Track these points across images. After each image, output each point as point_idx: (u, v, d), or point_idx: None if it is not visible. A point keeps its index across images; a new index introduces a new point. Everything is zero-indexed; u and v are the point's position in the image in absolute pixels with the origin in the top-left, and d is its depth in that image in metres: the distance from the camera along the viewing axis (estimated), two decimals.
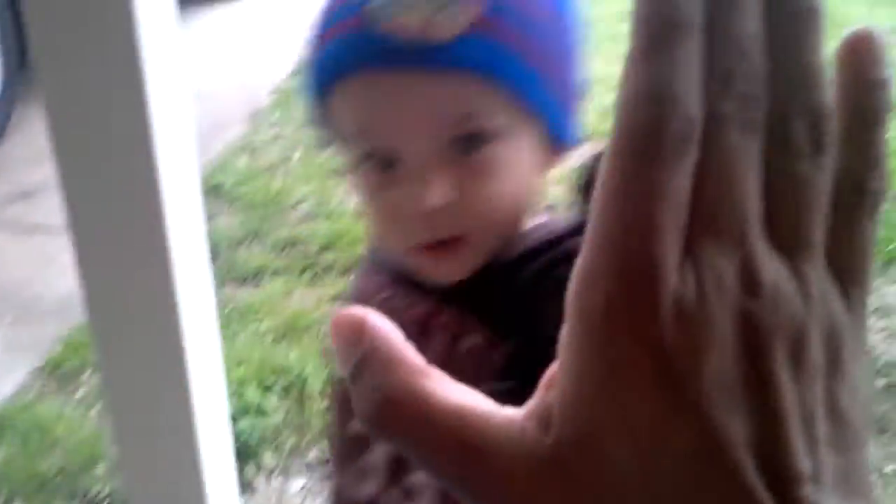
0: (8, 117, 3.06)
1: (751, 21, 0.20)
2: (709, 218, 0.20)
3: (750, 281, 0.19)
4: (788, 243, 0.20)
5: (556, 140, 0.62)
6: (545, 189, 0.64)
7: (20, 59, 3.10)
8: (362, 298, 0.72)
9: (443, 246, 0.60)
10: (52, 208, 2.62)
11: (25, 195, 2.76)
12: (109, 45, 0.92)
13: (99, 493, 1.63)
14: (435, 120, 0.57)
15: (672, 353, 0.19)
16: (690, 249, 0.19)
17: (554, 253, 0.62)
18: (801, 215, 0.20)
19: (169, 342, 1.10)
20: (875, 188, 0.22)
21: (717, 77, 0.20)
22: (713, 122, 0.20)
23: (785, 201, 0.20)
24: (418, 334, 0.60)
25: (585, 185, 0.63)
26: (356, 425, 0.69)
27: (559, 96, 0.60)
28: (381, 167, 0.59)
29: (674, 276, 0.19)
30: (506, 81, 0.56)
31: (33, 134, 3.11)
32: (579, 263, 0.20)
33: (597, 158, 0.61)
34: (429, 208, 0.57)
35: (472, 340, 0.62)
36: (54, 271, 2.34)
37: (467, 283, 0.63)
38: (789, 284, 0.20)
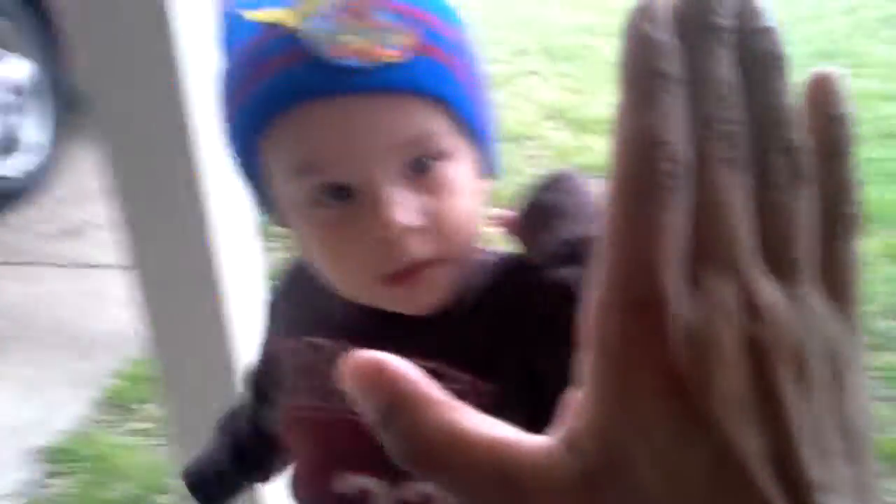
0: (57, 159, 3.16)
1: (726, 70, 0.23)
2: (707, 249, 0.22)
3: (750, 305, 0.21)
4: (781, 267, 0.22)
5: (486, 168, 0.63)
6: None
7: (67, 103, 3.20)
8: (278, 338, 0.71)
9: (414, 273, 0.58)
10: (99, 245, 2.71)
11: (74, 233, 2.83)
12: (157, 87, 0.97)
13: None
14: (392, 142, 0.55)
15: (685, 376, 0.21)
16: (695, 279, 0.21)
17: (519, 287, 0.61)
18: (788, 241, 0.22)
19: (227, 374, 1.14)
20: (850, 212, 0.24)
21: (702, 121, 0.22)
22: (702, 162, 0.22)
23: (773, 229, 0.22)
24: None
25: (526, 222, 0.64)
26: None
27: (487, 123, 0.62)
28: (334, 201, 0.57)
29: (681, 306, 0.21)
30: (451, 103, 0.57)
31: (80, 174, 3.19)
32: (594, 297, 0.22)
33: (531, 201, 0.62)
34: (400, 229, 0.55)
35: (456, 385, 0.60)
36: (104, 306, 2.40)
37: (429, 322, 0.61)
38: (787, 306, 0.22)
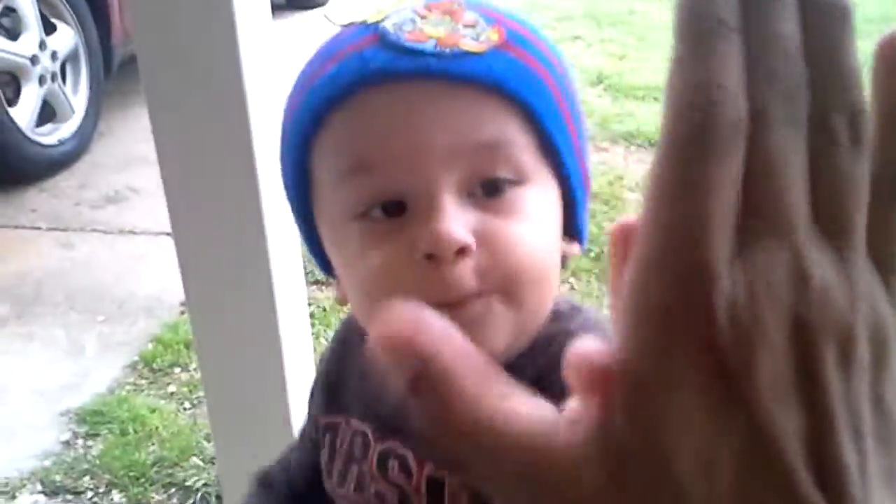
0: (95, 126, 3.19)
1: (788, 23, 0.21)
2: (758, 214, 0.20)
3: (799, 279, 0.20)
4: (833, 234, 0.21)
5: (572, 222, 0.54)
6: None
7: (106, 69, 3.22)
8: (328, 411, 0.63)
9: (463, 305, 0.48)
10: (138, 212, 2.73)
11: (113, 199, 2.86)
12: (212, 54, 0.96)
13: (194, 483, 1.68)
14: (461, 142, 0.47)
15: (726, 353, 0.20)
16: (741, 246, 0.20)
17: (551, 351, 0.52)
18: (843, 206, 0.21)
19: (266, 341, 1.14)
20: None
21: (762, 76, 0.21)
22: (759, 120, 0.20)
23: (828, 193, 0.21)
24: (429, 494, 0.53)
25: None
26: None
27: (577, 157, 0.53)
28: (384, 215, 0.49)
29: (726, 278, 0.20)
30: (534, 108, 0.49)
31: (118, 142, 3.23)
32: (634, 260, 0.21)
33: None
34: (453, 245, 0.46)
35: None
36: (142, 272, 2.43)
37: None
38: (836, 280, 0.20)
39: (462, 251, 0.47)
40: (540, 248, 0.50)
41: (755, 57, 0.21)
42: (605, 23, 4.26)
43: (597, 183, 2.68)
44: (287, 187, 0.56)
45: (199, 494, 1.66)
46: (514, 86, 0.48)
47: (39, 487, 1.69)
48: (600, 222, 2.40)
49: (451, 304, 0.47)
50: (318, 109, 0.50)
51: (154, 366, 2.02)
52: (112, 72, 3.27)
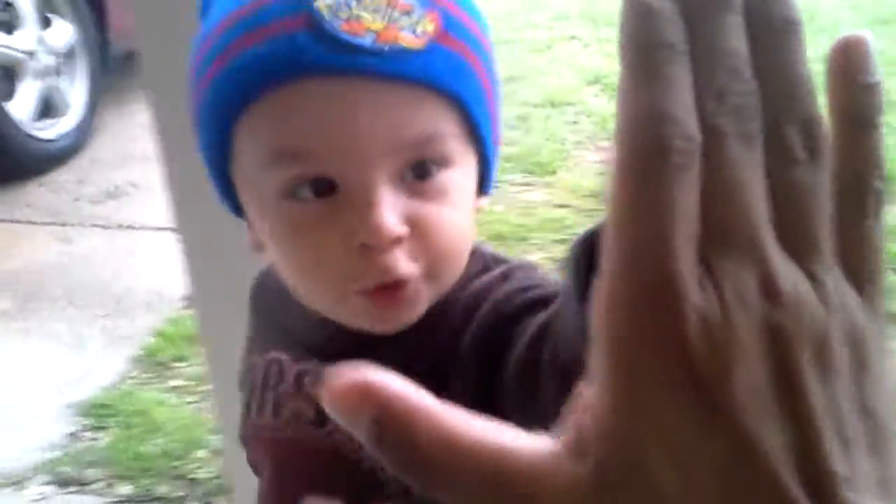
0: (92, 122, 3.18)
1: (734, 38, 0.21)
2: (721, 230, 0.20)
3: (769, 289, 0.20)
4: (799, 248, 0.21)
5: (484, 181, 0.57)
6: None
7: (103, 64, 3.22)
8: (251, 353, 0.65)
9: (396, 289, 0.51)
10: (137, 207, 2.73)
11: (111, 195, 2.86)
12: None
13: (201, 475, 1.69)
14: (398, 139, 0.49)
15: (701, 367, 0.19)
16: (707, 263, 0.20)
17: (493, 303, 0.54)
18: (806, 219, 0.21)
19: None
20: (877, 187, 0.22)
21: (711, 94, 0.21)
22: (712, 138, 0.20)
23: (789, 207, 0.21)
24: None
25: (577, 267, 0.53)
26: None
27: (496, 133, 0.55)
28: (312, 195, 0.50)
29: (694, 292, 0.19)
30: (466, 102, 0.51)
31: (116, 138, 3.22)
32: (601, 289, 0.21)
33: (584, 242, 0.47)
34: (391, 238, 0.48)
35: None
36: (141, 267, 2.43)
37: (387, 337, 0.54)
38: (807, 289, 0.20)
39: (397, 240, 0.49)
40: (462, 227, 0.53)
41: (704, 75, 0.21)
42: (603, 22, 4.27)
43: (594, 182, 2.70)
44: (200, 133, 0.56)
45: (206, 486, 1.66)
46: (450, 83, 0.50)
47: (47, 478, 1.70)
48: None
49: (387, 287, 0.50)
50: (247, 87, 0.49)
51: (157, 359, 2.02)
52: (109, 67, 3.27)
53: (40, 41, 2.92)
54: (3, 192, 2.84)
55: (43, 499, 1.66)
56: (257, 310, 0.68)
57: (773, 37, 0.22)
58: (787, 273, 0.20)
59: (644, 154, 0.20)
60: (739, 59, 0.21)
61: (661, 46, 0.20)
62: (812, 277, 0.21)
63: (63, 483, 1.69)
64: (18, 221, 2.69)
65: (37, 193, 2.86)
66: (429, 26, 0.48)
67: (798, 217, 0.21)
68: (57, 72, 2.99)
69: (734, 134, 0.21)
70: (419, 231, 0.50)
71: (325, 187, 0.50)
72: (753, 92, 0.21)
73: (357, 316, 0.53)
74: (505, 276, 0.56)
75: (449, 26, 0.50)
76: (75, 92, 3.09)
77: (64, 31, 3.03)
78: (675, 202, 0.20)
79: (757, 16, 0.22)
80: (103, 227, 2.66)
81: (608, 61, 3.79)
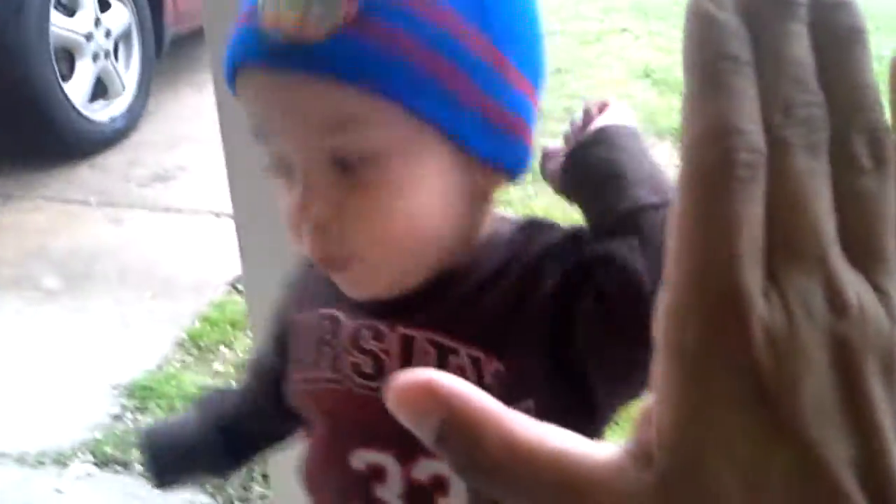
0: (144, 105, 3.23)
1: (800, 48, 0.21)
2: (788, 243, 0.20)
3: (836, 301, 0.20)
4: (865, 259, 0.21)
5: (485, 159, 0.56)
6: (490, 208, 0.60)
7: (157, 49, 3.27)
8: (298, 310, 0.68)
9: (335, 263, 0.57)
10: (185, 191, 2.77)
11: (161, 178, 2.90)
12: None
13: None
14: (310, 126, 0.52)
15: (767, 380, 0.19)
16: (774, 275, 0.20)
17: (519, 264, 0.58)
18: (872, 229, 0.21)
19: None
20: None
21: (778, 106, 0.20)
22: (779, 149, 0.20)
23: (855, 217, 0.21)
24: (402, 350, 0.59)
25: (572, 180, 0.59)
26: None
27: (472, 109, 0.54)
28: (282, 171, 0.56)
29: (761, 304, 0.20)
30: (386, 89, 0.51)
31: (167, 121, 3.27)
32: (665, 300, 0.21)
33: (580, 156, 0.57)
34: (297, 222, 0.54)
35: (458, 360, 0.58)
36: (189, 250, 2.47)
37: (435, 294, 0.59)
38: (873, 301, 0.20)
39: (318, 224, 0.54)
40: (399, 216, 0.55)
41: (769, 85, 0.21)
42: (654, 15, 4.21)
43: None
44: None
45: (245, 471, 1.69)
46: (358, 74, 0.50)
47: (90, 458, 1.74)
48: None
49: (331, 262, 0.57)
50: (228, 68, 0.56)
51: (201, 344, 2.06)
52: (163, 51, 3.32)
53: (98, 23, 2.97)
54: (56, 172, 2.90)
55: (87, 476, 1.70)
56: (309, 268, 0.70)
57: (839, 45, 0.22)
58: (854, 285, 0.20)
59: (710, 167, 0.20)
60: (806, 70, 0.21)
61: (725, 58, 0.21)
62: (878, 289, 0.20)
63: (105, 463, 1.73)
64: (71, 201, 2.75)
65: (88, 174, 2.92)
66: (340, 13, 0.50)
67: (864, 227, 0.21)
68: (113, 54, 3.04)
69: (801, 145, 0.21)
70: (347, 220, 0.54)
71: (287, 169, 0.55)
72: (820, 103, 0.21)
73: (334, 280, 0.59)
74: (553, 245, 0.59)
75: (370, 10, 0.50)
76: (129, 75, 3.14)
77: (121, 15, 3.08)
78: (742, 215, 0.20)
79: (822, 24, 0.22)
80: (151, 209, 2.71)
81: (658, 55, 3.73)
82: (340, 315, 0.64)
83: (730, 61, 0.20)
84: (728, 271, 0.20)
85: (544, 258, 0.58)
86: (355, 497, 0.63)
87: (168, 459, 0.75)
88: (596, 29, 3.99)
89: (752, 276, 0.20)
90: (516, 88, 0.56)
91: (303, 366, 0.66)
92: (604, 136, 0.58)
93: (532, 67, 0.57)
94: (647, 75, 3.51)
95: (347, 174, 0.53)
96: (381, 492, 0.62)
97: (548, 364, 0.56)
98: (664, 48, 3.83)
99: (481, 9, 0.53)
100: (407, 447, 0.59)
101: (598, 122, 0.60)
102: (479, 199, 0.59)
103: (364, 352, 0.61)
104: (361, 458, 0.63)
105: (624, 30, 4.10)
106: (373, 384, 0.61)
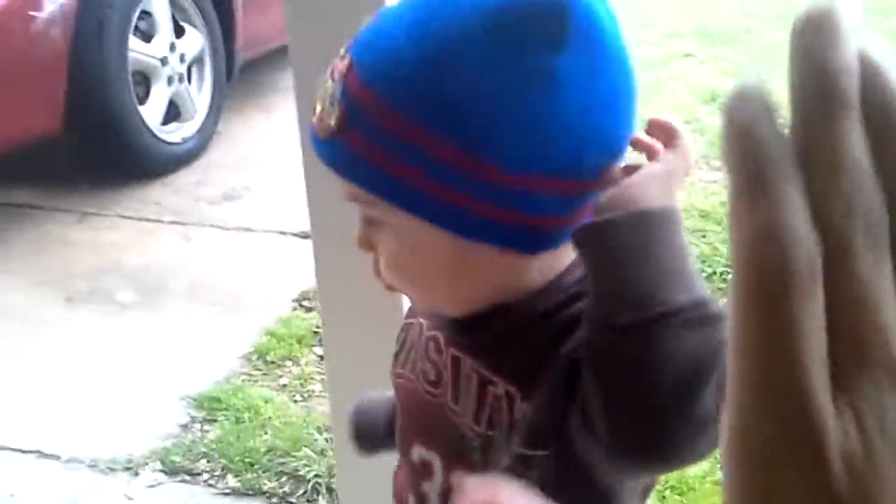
0: (214, 127, 3.32)
1: (855, 146, 0.20)
2: (857, 350, 0.19)
3: None
4: None
5: (481, 242, 0.60)
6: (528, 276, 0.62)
7: (228, 72, 3.36)
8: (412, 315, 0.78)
9: (385, 284, 0.67)
10: (252, 210, 2.82)
11: (229, 197, 2.97)
12: None
13: (307, 473, 1.72)
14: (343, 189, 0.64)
15: (846, 499, 0.19)
16: (843, 386, 0.19)
17: (566, 313, 0.61)
18: None
19: (392, 335, 1.16)
20: None
21: (836, 206, 0.20)
22: (839, 250, 0.19)
23: None
24: (452, 368, 0.66)
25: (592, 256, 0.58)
26: None
27: (449, 205, 0.59)
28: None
29: (835, 426, 0.19)
30: (368, 189, 0.61)
31: (237, 142, 3.35)
32: (729, 401, 0.20)
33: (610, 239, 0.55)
34: (358, 246, 0.66)
35: (496, 391, 0.63)
36: (256, 267, 2.51)
37: (476, 325, 0.65)
38: None
39: (366, 250, 0.66)
40: (404, 267, 0.65)
41: (825, 184, 0.20)
42: (718, 40, 4.17)
43: (709, 202, 2.62)
44: None
45: (311, 484, 1.70)
46: (345, 172, 0.62)
47: (160, 466, 1.77)
48: (713, 242, 2.36)
49: (386, 285, 0.67)
50: None
51: (268, 358, 2.09)
52: (234, 75, 3.41)
53: (172, 48, 3.07)
54: (130, 191, 2.99)
55: (157, 484, 1.73)
56: None
57: (891, 135, 0.20)
58: None
59: (766, 273, 0.19)
60: (862, 164, 0.20)
61: (767, 165, 0.20)
62: None
63: (173, 472, 1.76)
64: (144, 219, 2.83)
65: (160, 193, 3.00)
66: (331, 121, 0.60)
67: None
68: (186, 78, 3.14)
69: (861, 244, 0.20)
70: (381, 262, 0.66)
71: None
72: (879, 201, 0.20)
73: None
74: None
75: (352, 118, 0.59)
76: (200, 98, 3.23)
77: (195, 40, 3.18)
78: (804, 325, 0.19)
79: (874, 112, 0.20)
80: (220, 227, 2.77)
81: (723, 79, 3.69)
82: (424, 322, 0.73)
83: (777, 164, 0.20)
84: (794, 376, 0.19)
85: (582, 314, 0.58)
86: (413, 485, 0.72)
87: (369, 432, 0.84)
88: (661, 54, 3.96)
89: (821, 388, 0.19)
90: (502, 185, 0.58)
91: (398, 360, 0.76)
92: (644, 223, 0.55)
93: (528, 163, 0.58)
94: (713, 99, 3.47)
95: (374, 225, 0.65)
96: (426, 487, 0.70)
97: (560, 419, 0.58)
98: (730, 73, 3.79)
99: (448, 120, 0.57)
100: (453, 455, 0.67)
101: (642, 196, 0.56)
102: (499, 261, 0.61)
103: (430, 360, 0.70)
104: (418, 452, 0.71)
105: (687, 55, 4.06)
106: (434, 391, 0.69)
